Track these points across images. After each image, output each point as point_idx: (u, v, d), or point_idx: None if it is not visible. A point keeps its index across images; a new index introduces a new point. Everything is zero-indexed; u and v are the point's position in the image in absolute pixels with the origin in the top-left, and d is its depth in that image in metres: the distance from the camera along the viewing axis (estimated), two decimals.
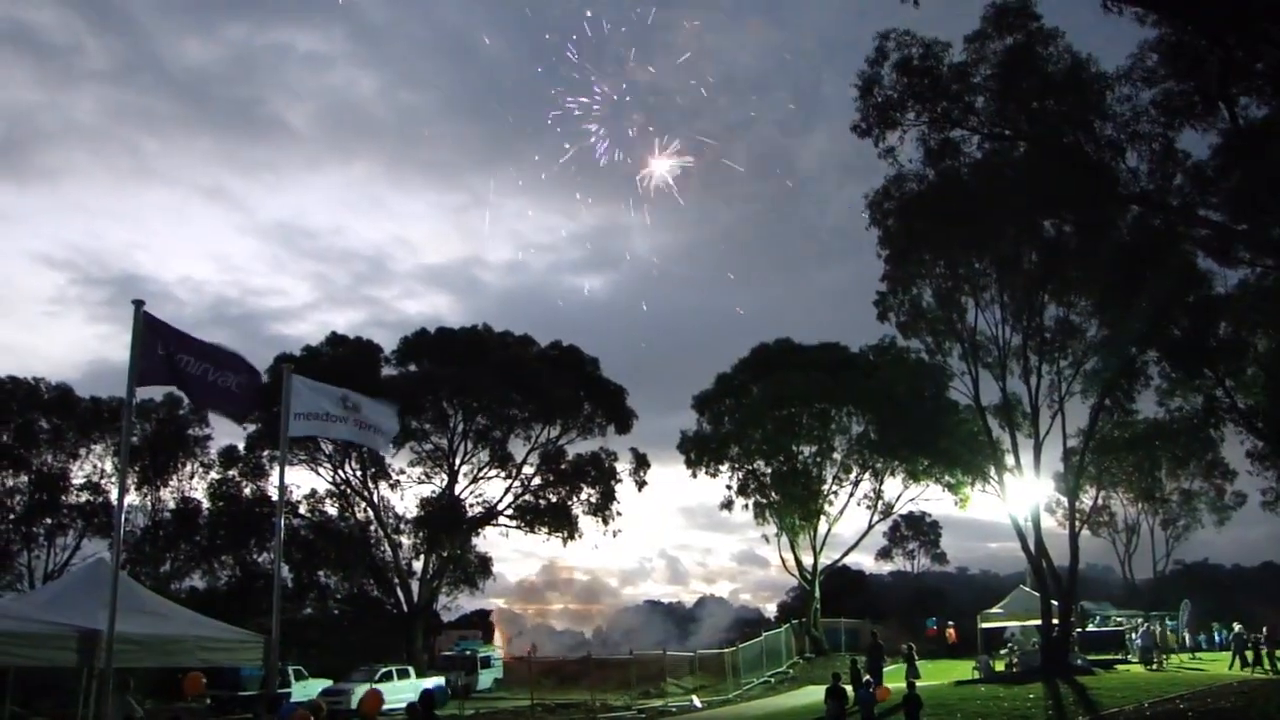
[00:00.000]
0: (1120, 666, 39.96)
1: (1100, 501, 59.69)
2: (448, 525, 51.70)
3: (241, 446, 52.40)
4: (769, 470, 54.85)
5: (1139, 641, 42.72)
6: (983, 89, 29.30)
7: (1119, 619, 52.05)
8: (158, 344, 13.02)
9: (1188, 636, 53.03)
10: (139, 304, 12.80)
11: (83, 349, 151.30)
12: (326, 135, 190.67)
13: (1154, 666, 39.91)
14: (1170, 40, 25.30)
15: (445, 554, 53.03)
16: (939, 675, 39.39)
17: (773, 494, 54.44)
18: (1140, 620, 48.96)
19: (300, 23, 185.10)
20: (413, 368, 54.55)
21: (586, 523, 54.25)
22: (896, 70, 29.21)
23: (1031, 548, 38.10)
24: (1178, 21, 23.92)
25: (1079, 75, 28.37)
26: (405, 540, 53.64)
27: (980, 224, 31.80)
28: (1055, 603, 37.43)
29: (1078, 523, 40.84)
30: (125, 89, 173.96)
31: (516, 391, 52.06)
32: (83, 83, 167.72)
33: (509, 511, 54.46)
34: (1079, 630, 45.20)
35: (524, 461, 54.37)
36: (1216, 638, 53.92)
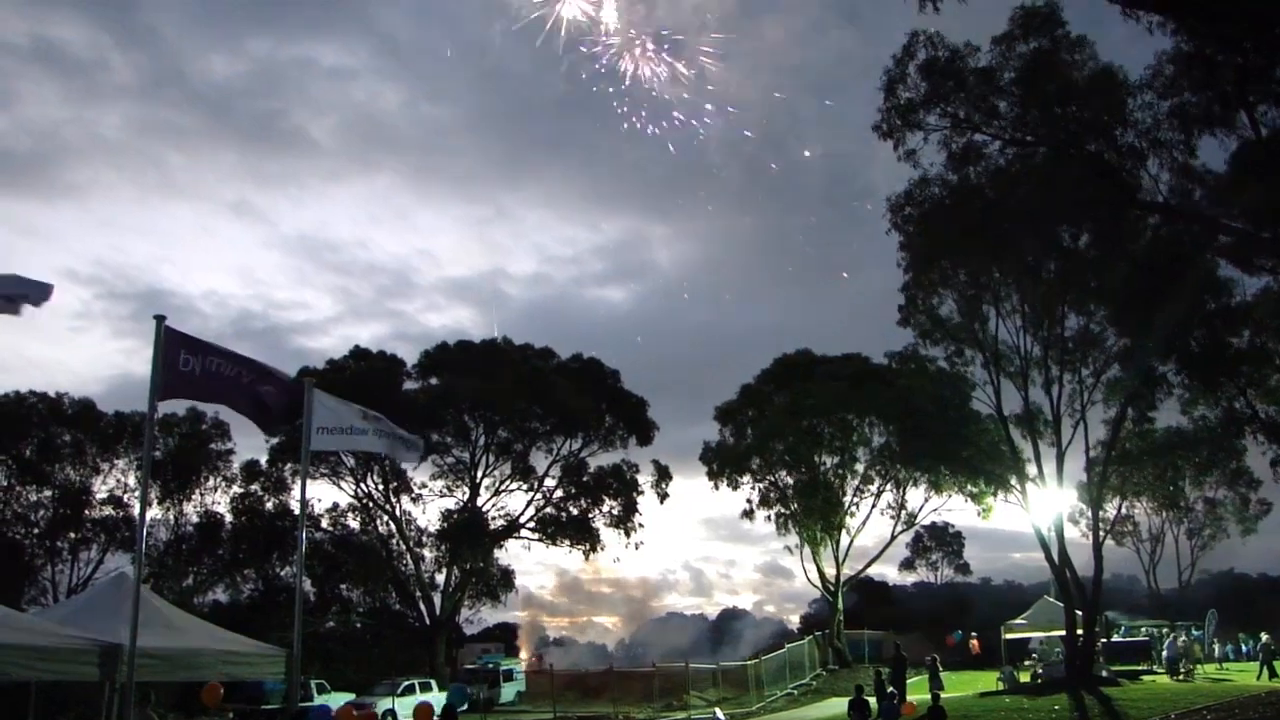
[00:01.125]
0: (1146, 677, 39.63)
1: (1124, 511, 59.27)
2: (470, 538, 51.72)
3: (264, 461, 52.69)
4: (790, 481, 54.74)
5: (1165, 652, 42.36)
6: (1006, 92, 29.25)
7: (1149, 630, 51.60)
8: (180, 358, 13.06)
9: (1216, 647, 52.52)
10: (160, 319, 12.84)
11: (107, 363, 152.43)
12: (350, 148, 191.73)
13: (1180, 677, 39.57)
14: (1186, 50, 25.21)
15: (467, 567, 53.05)
16: (963, 687, 39.20)
17: (794, 505, 54.32)
18: (1166, 630, 48.53)
19: (324, 37, 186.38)
20: (434, 381, 54.64)
21: (609, 535, 54.28)
22: (921, 71, 29.17)
23: (1055, 558, 37.88)
24: (1194, 28, 23.82)
25: (1102, 81, 28.31)
26: (427, 553, 53.80)
27: (1000, 232, 31.68)
28: (1080, 613, 37.18)
29: (1101, 532, 40.66)
30: (151, 104, 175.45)
31: (538, 404, 52.14)
32: (109, 98, 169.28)
33: (531, 524, 54.51)
34: (1104, 640, 44.84)
35: (546, 474, 54.45)
36: (1244, 648, 53.37)
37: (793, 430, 52.97)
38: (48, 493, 49.52)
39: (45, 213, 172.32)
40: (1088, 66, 29.02)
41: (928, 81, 29.21)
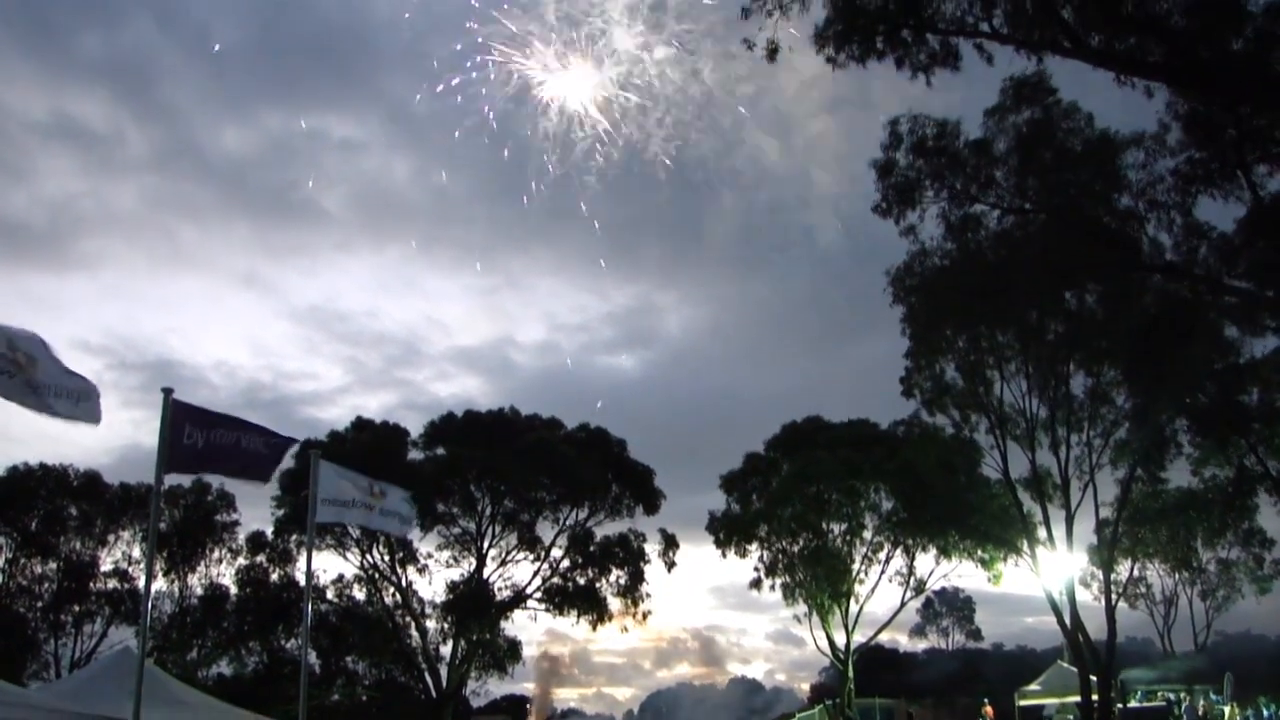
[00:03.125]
0: None
1: (1136, 573, 58.80)
2: (476, 609, 51.32)
3: (269, 532, 52.45)
4: (797, 549, 54.41)
5: (1184, 717, 41.77)
6: (1002, 163, 29.47)
7: (1168, 694, 50.91)
8: (185, 432, 13.09)
9: (1237, 711, 51.71)
10: (168, 392, 12.88)
11: (117, 434, 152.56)
12: (361, 219, 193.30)
13: None
14: (1182, 111, 25.46)
15: (474, 638, 52.60)
16: None
17: (801, 573, 53.95)
18: (1184, 695, 47.89)
19: (336, 109, 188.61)
20: (440, 451, 54.56)
21: (616, 604, 53.81)
22: (913, 151, 29.36)
23: (1067, 622, 37.53)
24: (1190, 94, 24.07)
25: (1096, 147, 28.56)
26: (433, 624, 53.30)
27: (1003, 297, 31.78)
28: (1094, 678, 36.75)
29: (1114, 595, 40.28)
30: (165, 177, 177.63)
31: (544, 474, 51.98)
32: (124, 172, 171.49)
33: (537, 594, 54.08)
34: (1120, 706, 44.24)
35: (552, 544, 54.04)
36: (1265, 712, 52.60)
37: (799, 497, 52.77)
38: (53, 565, 49.31)
39: (59, 284, 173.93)
40: (1083, 133, 29.30)
41: (921, 159, 29.37)
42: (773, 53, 22.54)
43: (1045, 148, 28.90)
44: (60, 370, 11.29)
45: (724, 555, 55.34)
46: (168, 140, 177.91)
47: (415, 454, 54.27)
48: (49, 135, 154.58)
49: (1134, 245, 28.37)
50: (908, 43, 22.37)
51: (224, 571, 52.60)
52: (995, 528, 42.42)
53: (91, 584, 49.51)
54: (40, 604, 48.72)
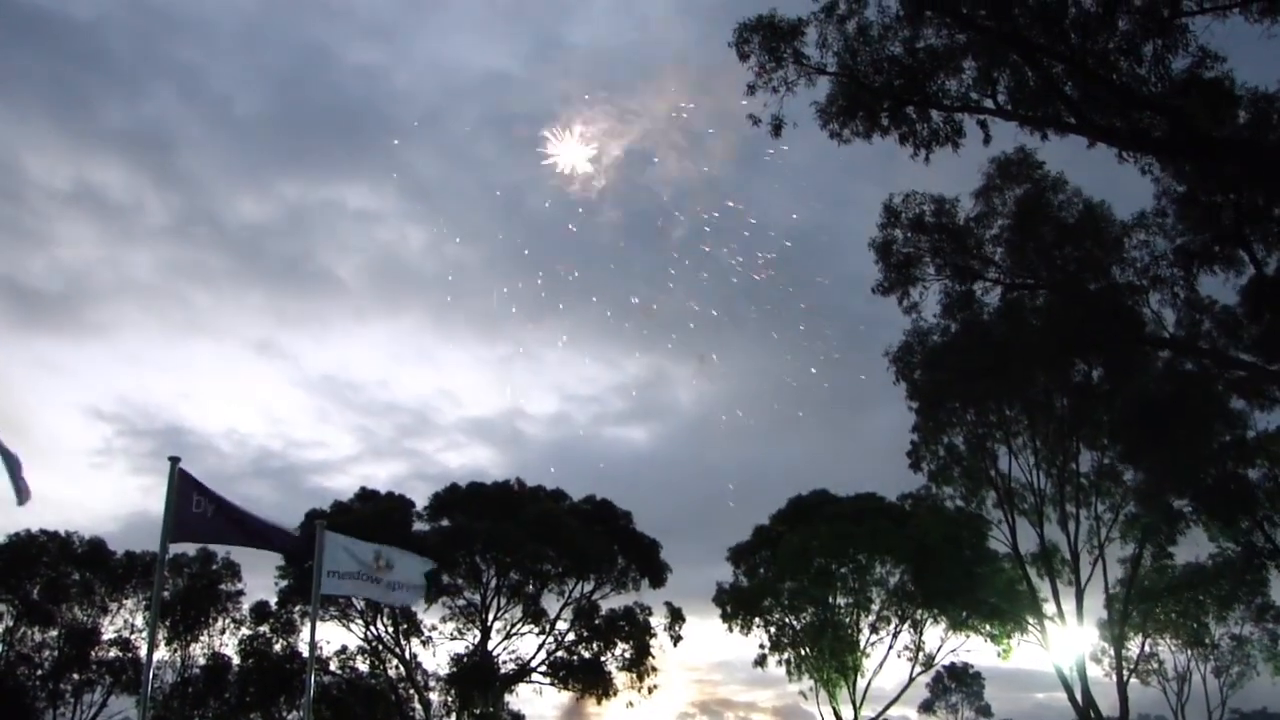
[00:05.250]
0: None
1: (1147, 649, 58.03)
2: (480, 682, 50.84)
3: (274, 602, 52.16)
4: (803, 623, 53.92)
5: None
6: (999, 240, 29.65)
7: None
8: (193, 500, 13.13)
9: None
10: (174, 460, 12.97)
11: (125, 501, 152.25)
12: (375, 288, 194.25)
13: None
14: (1177, 193, 25.75)
15: (478, 712, 52.03)
16: None
17: (806, 648, 53.39)
18: None
19: (352, 179, 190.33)
20: (445, 522, 54.42)
21: (621, 678, 53.24)
22: (911, 229, 29.51)
23: (1079, 699, 37.15)
24: (1192, 169, 24.34)
25: (1093, 222, 28.78)
26: (436, 697, 52.76)
27: (1008, 372, 31.81)
28: None
29: (1125, 671, 39.80)
30: (182, 245, 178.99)
31: (550, 546, 51.79)
32: (141, 239, 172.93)
33: (542, 668, 53.58)
34: None
35: (558, 616, 53.69)
36: None
37: (805, 571, 52.41)
38: (53, 633, 49.02)
39: (72, 351, 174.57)
40: (1075, 205, 29.49)
41: (922, 235, 29.54)
42: (778, 128, 22.91)
43: (1043, 222, 29.09)
44: None
45: (730, 629, 54.90)
46: (186, 208, 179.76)
47: (420, 525, 54.19)
48: (69, 203, 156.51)
49: (1137, 320, 28.50)
50: (912, 119, 22.71)
51: (226, 641, 52.24)
52: (1004, 602, 42.08)
53: (93, 652, 49.18)
54: (40, 672, 48.37)
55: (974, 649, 52.46)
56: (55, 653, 48.84)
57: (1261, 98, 21.89)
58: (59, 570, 49.51)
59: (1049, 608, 39.00)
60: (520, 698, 55.33)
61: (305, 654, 46.52)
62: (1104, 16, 20.73)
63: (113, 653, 49.55)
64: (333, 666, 52.16)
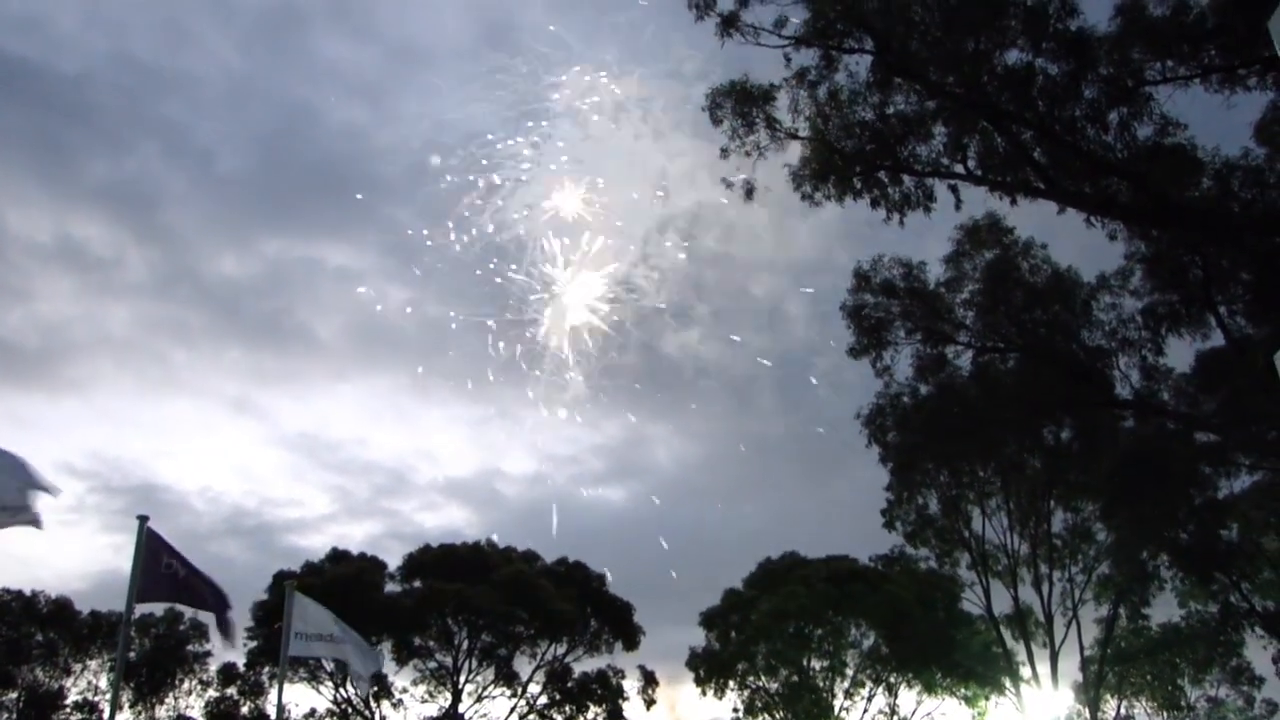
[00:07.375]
0: None
1: (1123, 711, 57.82)
2: None
3: (241, 664, 51.39)
4: (775, 686, 53.49)
5: None
6: (970, 304, 29.90)
7: None
8: (162, 561, 13.03)
9: None
10: (143, 519, 12.87)
11: (95, 559, 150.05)
12: (354, 347, 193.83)
13: None
14: (1145, 254, 26.11)
15: None
16: None
17: (780, 713, 52.92)
18: None
19: (334, 238, 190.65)
20: (417, 584, 53.94)
21: None
22: (882, 293, 29.73)
23: None
24: (1160, 233, 24.72)
25: (1061, 286, 29.09)
26: None
27: (980, 434, 31.94)
28: None
29: None
30: (160, 301, 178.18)
31: (522, 608, 51.39)
32: (120, 294, 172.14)
33: None
34: None
35: (529, 679, 53.10)
36: None
37: (778, 634, 52.11)
38: (13, 695, 48.04)
39: (47, 407, 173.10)
40: (1043, 270, 29.81)
41: (894, 299, 29.77)
42: (749, 192, 23.18)
43: (1013, 286, 29.38)
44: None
45: (704, 694, 54.44)
46: (166, 264, 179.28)
47: (393, 586, 53.69)
48: (50, 258, 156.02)
49: (1107, 382, 28.73)
50: (884, 183, 23.01)
51: (193, 704, 51.34)
52: (979, 665, 41.93)
53: (54, 716, 48.19)
54: None
55: (949, 712, 52.21)
56: (14, 715, 47.82)
57: (1224, 164, 22.30)
58: (21, 630, 48.64)
59: (1024, 670, 38.95)
60: None
61: (273, 717, 45.90)
62: (1070, 85, 21.21)
63: (75, 716, 48.60)
64: None
